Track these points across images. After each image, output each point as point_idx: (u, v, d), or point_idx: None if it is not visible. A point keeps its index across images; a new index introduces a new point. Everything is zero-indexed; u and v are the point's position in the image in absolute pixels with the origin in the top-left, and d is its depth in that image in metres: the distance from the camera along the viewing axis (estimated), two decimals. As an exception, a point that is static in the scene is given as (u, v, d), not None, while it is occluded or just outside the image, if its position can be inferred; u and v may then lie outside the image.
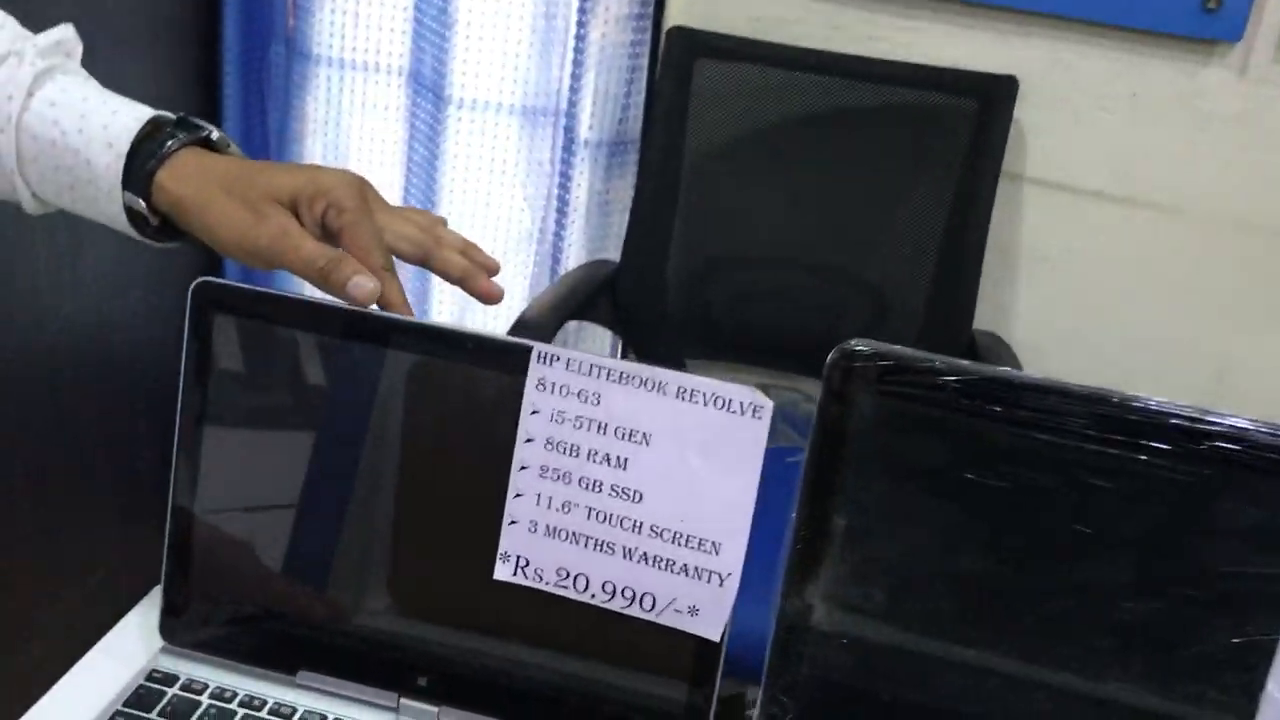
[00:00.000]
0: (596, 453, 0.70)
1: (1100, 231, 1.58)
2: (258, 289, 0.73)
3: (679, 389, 0.69)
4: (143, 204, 0.73)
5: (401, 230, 0.78)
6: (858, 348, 0.64)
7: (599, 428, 0.70)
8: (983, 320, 1.57)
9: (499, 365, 0.71)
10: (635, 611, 0.70)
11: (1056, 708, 0.66)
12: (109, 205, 0.73)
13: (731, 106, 1.55)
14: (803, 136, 1.54)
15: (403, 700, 0.73)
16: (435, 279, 1.84)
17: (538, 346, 0.70)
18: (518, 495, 0.71)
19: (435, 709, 0.73)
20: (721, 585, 0.69)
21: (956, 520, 0.65)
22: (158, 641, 0.76)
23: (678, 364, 1.71)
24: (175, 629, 0.76)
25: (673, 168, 1.56)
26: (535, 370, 0.70)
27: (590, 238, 1.72)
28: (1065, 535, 0.63)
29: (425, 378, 0.73)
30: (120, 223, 0.74)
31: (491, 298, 0.80)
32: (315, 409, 0.74)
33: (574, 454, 0.70)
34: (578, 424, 0.70)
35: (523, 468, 0.71)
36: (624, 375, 0.69)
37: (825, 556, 0.67)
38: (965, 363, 0.63)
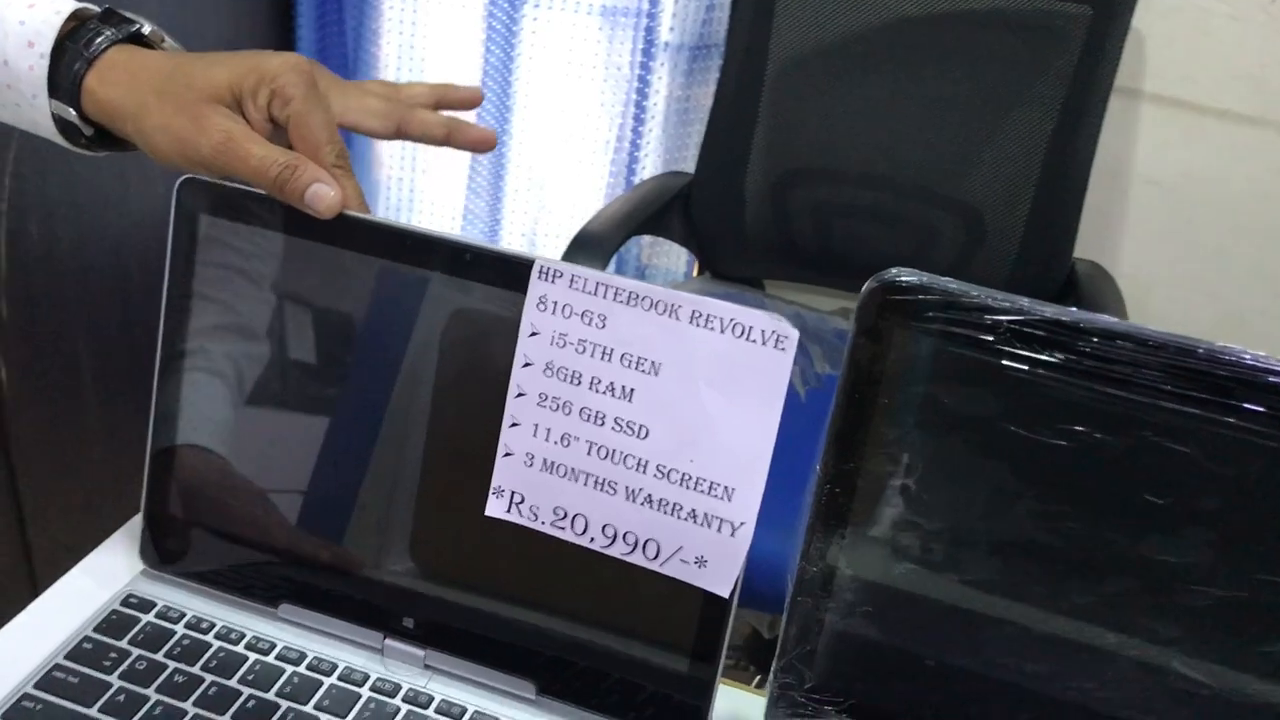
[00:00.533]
0: (600, 381, 0.62)
1: (1223, 155, 1.44)
2: (246, 188, 0.66)
3: (694, 313, 0.61)
4: (73, 113, 0.65)
5: (365, 105, 0.71)
6: (898, 277, 0.55)
7: (604, 353, 0.62)
8: (1085, 248, 1.45)
9: (499, 280, 0.64)
10: (637, 559, 0.63)
11: (1104, 689, 0.58)
12: (33, 112, 0.66)
13: (821, 7, 1.44)
14: (896, 42, 1.43)
15: (388, 641, 0.67)
16: (510, 183, 1.78)
17: (540, 260, 0.62)
18: (513, 425, 0.64)
19: (421, 651, 0.67)
20: (733, 535, 0.62)
21: (1004, 480, 0.56)
22: (139, 564, 0.71)
23: (755, 285, 1.62)
24: (155, 552, 0.71)
25: (755, 73, 1.46)
26: (536, 287, 0.63)
27: (668, 148, 1.63)
28: (1131, 505, 0.54)
29: (419, 292, 0.65)
30: (48, 131, 0.67)
31: (486, 144, 0.73)
32: (303, 322, 0.68)
33: (575, 381, 0.63)
34: (580, 348, 0.63)
35: (519, 394, 0.64)
36: (633, 295, 0.62)
37: (851, 514, 0.58)
38: (1023, 300, 0.54)
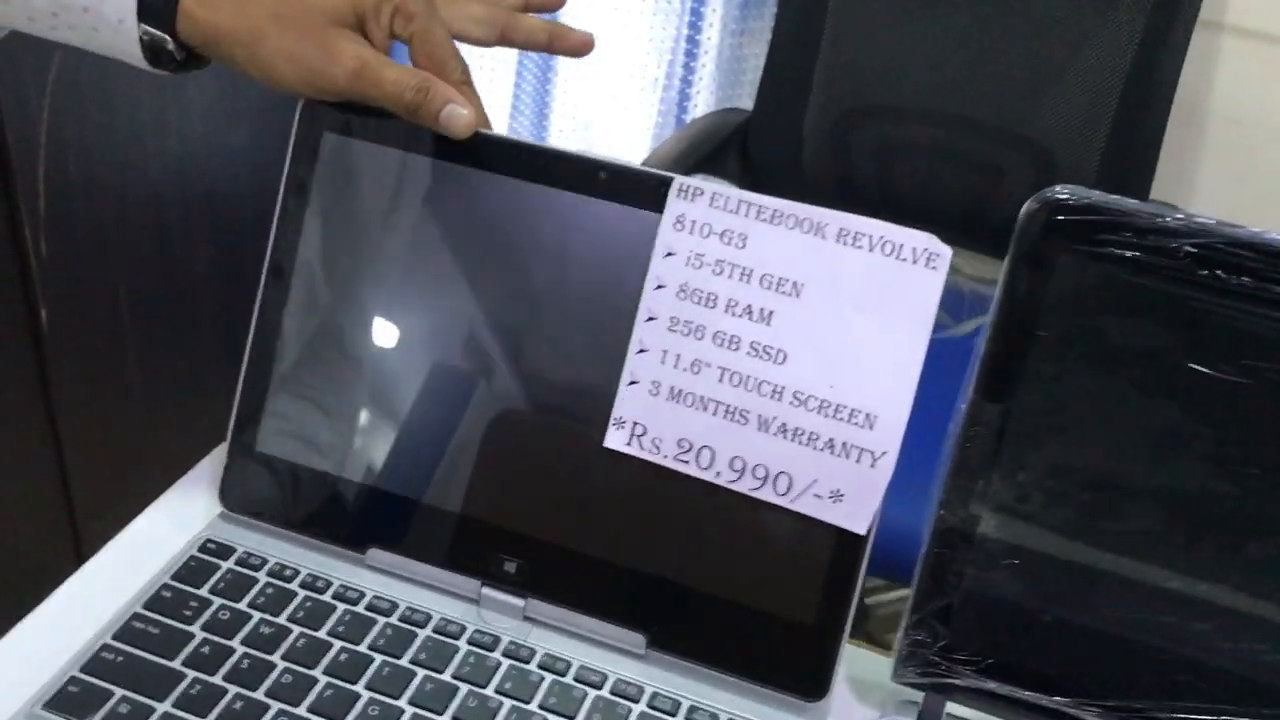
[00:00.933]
0: (737, 304, 0.58)
1: (1308, 92, 1.38)
2: (373, 108, 0.62)
3: (841, 231, 0.57)
4: (169, 40, 0.60)
5: (469, 13, 0.68)
6: (1062, 196, 0.50)
7: (743, 274, 0.58)
8: (1159, 190, 1.40)
9: (632, 199, 0.60)
10: (767, 495, 0.59)
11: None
12: (116, 38, 0.60)
13: (888, -66, 1.37)
14: (967, -30, 1.37)
15: (484, 590, 0.63)
16: (554, 123, 1.72)
17: (679, 179, 0.58)
18: (641, 351, 0.59)
19: (521, 602, 0.62)
20: (873, 466, 0.57)
21: (1177, 422, 0.51)
22: (217, 506, 0.67)
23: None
24: (236, 493, 0.66)
25: (816, 4, 1.40)
26: (674, 205, 0.58)
27: (721, 85, 1.57)
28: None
29: (546, 211, 0.61)
30: (133, 58, 0.61)
31: (586, 47, 0.71)
32: (420, 244, 0.63)
33: (710, 304, 0.58)
34: (718, 269, 0.58)
35: (649, 319, 0.59)
36: (777, 214, 0.57)
37: (1000, 459, 0.54)
38: (1209, 221, 0.49)
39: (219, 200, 1.53)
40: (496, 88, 1.64)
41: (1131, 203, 0.49)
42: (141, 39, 0.60)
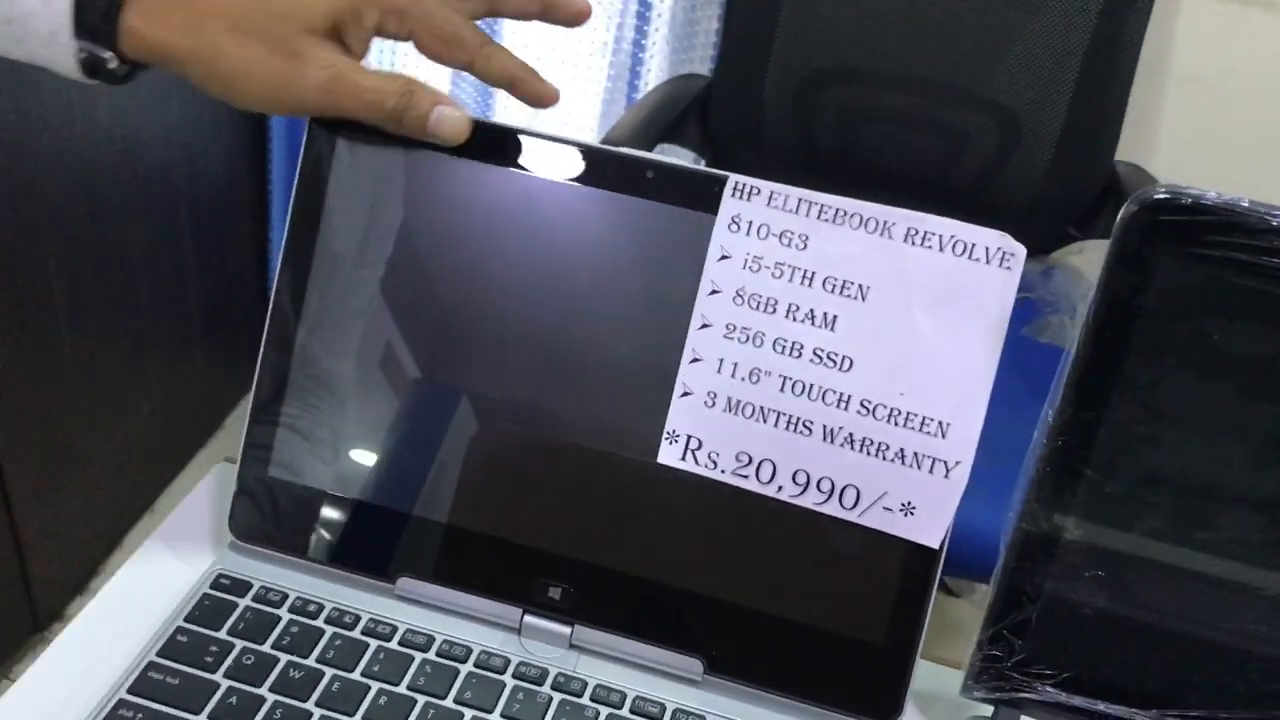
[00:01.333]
0: (799, 308, 0.54)
1: (1269, 49, 1.38)
2: None
3: (909, 230, 0.53)
4: (110, 56, 0.53)
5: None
6: (1165, 196, 0.47)
7: (804, 277, 0.54)
8: (1121, 150, 1.39)
9: (681, 199, 0.56)
10: (832, 509, 0.55)
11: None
12: (47, 51, 0.53)
13: (849, -109, 1.34)
14: (930, -71, 1.34)
15: (527, 618, 0.59)
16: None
17: (734, 177, 0.55)
18: (695, 360, 0.56)
19: (567, 629, 0.59)
20: (947, 477, 0.54)
21: (1278, 427, 0.49)
22: (226, 534, 0.62)
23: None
24: (248, 521, 0.61)
25: (776, -36, 1.36)
26: (729, 205, 0.54)
27: (675, 49, 1.52)
28: None
29: (588, 213, 0.57)
30: (66, 70, 0.54)
31: (584, 14, 0.61)
32: (446, 256, 0.58)
33: (770, 310, 0.55)
34: (777, 272, 0.54)
35: (703, 326, 0.55)
36: (840, 213, 0.54)
37: (1089, 468, 0.51)
38: (1328, 220, 0.46)
39: (155, 176, 1.44)
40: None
41: (1242, 202, 0.47)
42: (79, 55, 0.53)
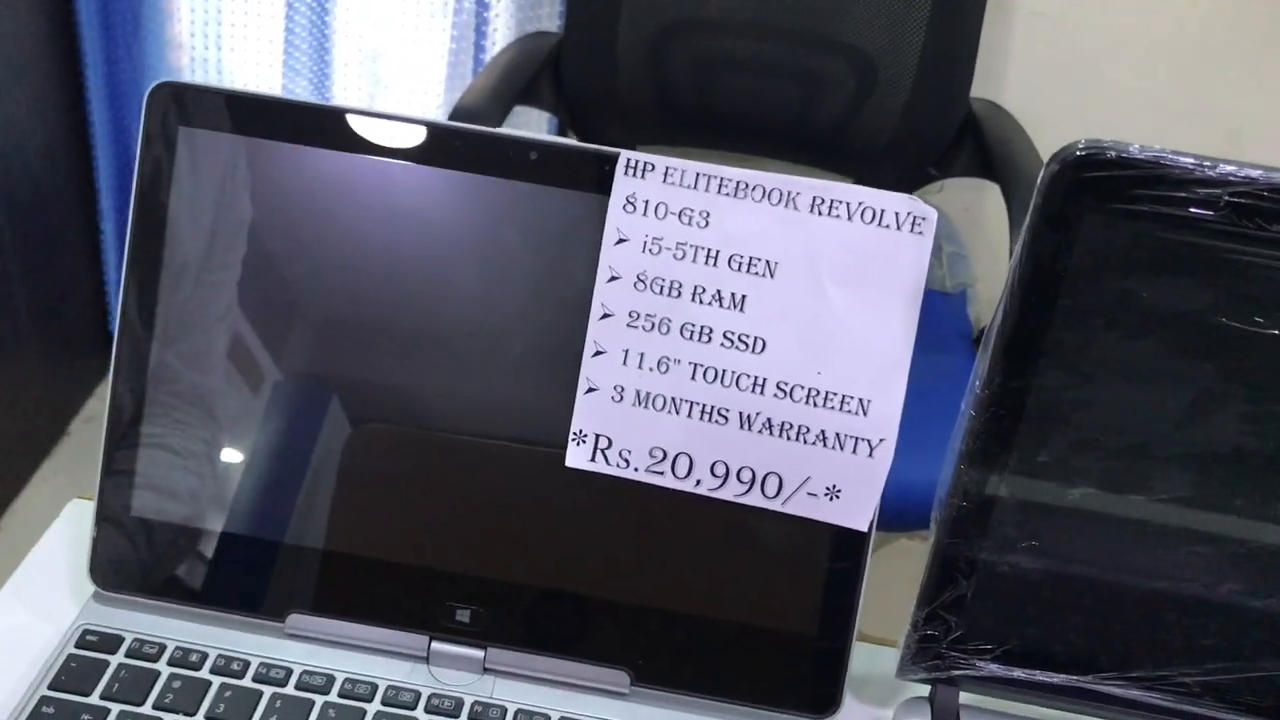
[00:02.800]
0: (705, 290, 0.51)
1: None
2: (238, 91, 0.51)
3: (815, 200, 0.50)
4: None
5: None
6: (1087, 151, 0.45)
7: (708, 256, 0.50)
8: (975, 88, 1.39)
9: (569, 180, 0.51)
10: (755, 499, 0.52)
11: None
12: None
13: None
14: None
15: (435, 645, 0.54)
16: (338, 56, 1.57)
17: (625, 154, 0.50)
18: (598, 353, 0.51)
19: (479, 653, 0.54)
20: (871, 456, 0.52)
21: (1211, 382, 0.47)
22: (88, 586, 0.55)
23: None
24: (112, 568, 0.55)
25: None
26: (622, 184, 0.50)
27: (521, 6, 1.46)
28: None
29: (465, 202, 0.52)
30: None
31: None
32: (312, 246, 0.53)
33: (674, 294, 0.51)
34: (679, 253, 0.50)
35: (604, 316, 0.51)
36: (742, 185, 0.50)
37: (1019, 437, 0.49)
38: (1252, 169, 0.44)
39: (11, 171, 1.33)
40: (265, 16, 1.47)
41: (1167, 153, 0.44)
42: None
